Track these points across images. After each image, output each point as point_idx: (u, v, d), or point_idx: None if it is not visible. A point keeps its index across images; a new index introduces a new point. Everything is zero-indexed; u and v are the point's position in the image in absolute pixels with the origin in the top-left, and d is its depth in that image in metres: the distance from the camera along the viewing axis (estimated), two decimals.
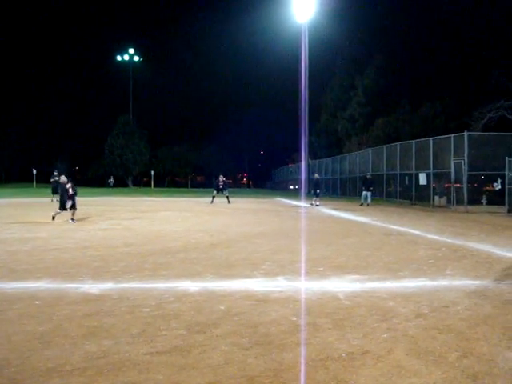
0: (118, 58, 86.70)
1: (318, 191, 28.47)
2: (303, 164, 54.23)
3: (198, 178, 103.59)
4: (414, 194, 30.97)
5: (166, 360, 4.22)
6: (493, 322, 5.47)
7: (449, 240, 12.59)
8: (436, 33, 55.86)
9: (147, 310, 5.74)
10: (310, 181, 28.70)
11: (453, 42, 52.74)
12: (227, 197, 29.53)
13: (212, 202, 28.77)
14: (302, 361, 4.24)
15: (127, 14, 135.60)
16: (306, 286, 7.09)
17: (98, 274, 7.79)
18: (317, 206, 27.22)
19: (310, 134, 56.02)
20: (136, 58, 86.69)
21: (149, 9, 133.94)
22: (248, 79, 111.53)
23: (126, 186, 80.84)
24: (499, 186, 25.87)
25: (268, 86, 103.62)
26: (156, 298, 6.29)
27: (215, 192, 29.71)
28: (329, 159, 51.76)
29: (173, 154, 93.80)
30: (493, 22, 49.74)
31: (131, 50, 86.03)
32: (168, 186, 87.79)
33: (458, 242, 12.13)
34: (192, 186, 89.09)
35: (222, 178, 30.11)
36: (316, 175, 32.24)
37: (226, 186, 30.57)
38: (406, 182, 32.12)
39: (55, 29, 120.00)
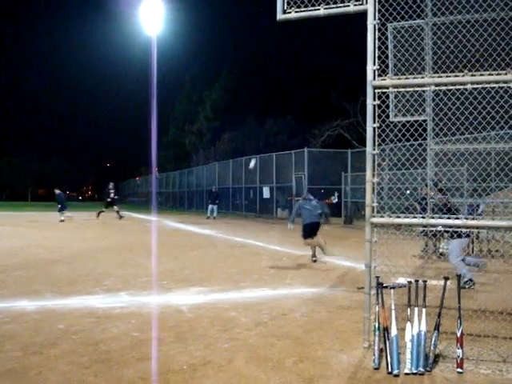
0: None
1: None
2: (153, 177, 53.76)
3: (40, 191, 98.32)
4: (258, 206, 31.98)
5: None
6: (327, 326, 5.84)
7: (289, 250, 13.17)
8: (281, 54, 58.58)
9: None
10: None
11: (296, 63, 55.60)
12: (117, 211, 26.37)
13: (98, 216, 25.75)
14: (143, 376, 4.22)
15: None
16: (149, 301, 7.08)
17: None
18: None
19: (159, 147, 55.84)
20: None
21: None
22: (98, 89, 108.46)
23: None
24: (336, 199, 27.59)
25: (119, 98, 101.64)
26: None
27: (105, 204, 26.64)
28: (176, 172, 51.80)
29: (11, 166, 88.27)
30: (332, 48, 53.11)
31: None
32: (6, 200, 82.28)
33: (298, 252, 12.72)
34: (33, 199, 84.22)
35: (112, 187, 26.71)
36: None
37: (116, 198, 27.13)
38: (251, 196, 33.11)
39: None
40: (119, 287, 7.96)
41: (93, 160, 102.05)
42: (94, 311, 6.39)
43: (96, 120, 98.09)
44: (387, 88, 4.96)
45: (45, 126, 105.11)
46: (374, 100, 4.92)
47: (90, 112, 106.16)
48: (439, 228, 5.73)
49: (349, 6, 4.96)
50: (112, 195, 26.28)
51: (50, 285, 8.09)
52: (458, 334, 4.50)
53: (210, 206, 29.12)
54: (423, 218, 4.89)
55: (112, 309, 6.54)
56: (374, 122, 4.89)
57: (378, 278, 4.94)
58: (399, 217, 4.88)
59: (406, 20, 5.09)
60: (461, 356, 4.40)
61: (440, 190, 7.48)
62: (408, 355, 4.42)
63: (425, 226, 5.39)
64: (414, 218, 4.91)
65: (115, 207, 26.43)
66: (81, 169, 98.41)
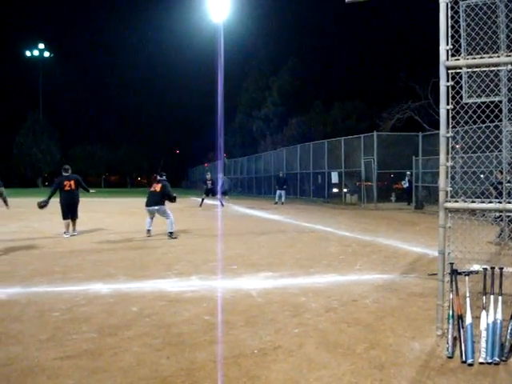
0: (28, 53, 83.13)
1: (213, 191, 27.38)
2: (220, 163, 54.26)
3: (112, 178, 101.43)
4: (326, 192, 31.76)
5: (76, 364, 4.14)
6: (399, 313, 5.73)
7: (359, 236, 13.02)
8: (348, 37, 57.65)
9: (57, 314, 5.60)
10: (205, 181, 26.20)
11: (363, 46, 54.60)
12: (222, 199, 26.36)
13: (201, 205, 26.08)
14: (215, 359, 4.28)
15: (38, 9, 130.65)
16: (219, 285, 7.14)
17: (4, 279, 7.51)
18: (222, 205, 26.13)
19: (226, 133, 56.23)
20: (46, 54, 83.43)
21: (60, 5, 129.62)
22: (164, 79, 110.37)
23: (35, 186, 77.65)
24: (407, 184, 27.02)
25: (185, 85, 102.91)
26: (66, 301, 6.15)
27: (204, 195, 26.78)
28: (244, 158, 52.08)
29: (85, 154, 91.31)
30: (402, 28, 51.80)
31: (41, 46, 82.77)
32: None
33: (368, 238, 12.57)
34: (105, 186, 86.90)
35: (209, 177, 26.96)
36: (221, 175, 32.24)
37: (216, 186, 27.39)
38: (319, 181, 32.90)
39: None
40: (190, 271, 8.09)
41: (162, 147, 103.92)
42: (165, 295, 6.53)
43: (164, 108, 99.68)
44: (461, 68, 4.77)
45: (116, 116, 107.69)
46: (448, 81, 4.75)
47: (158, 101, 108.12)
48: None
49: None
50: (210, 184, 26.49)
51: (123, 268, 8.33)
52: None
53: (277, 192, 29.14)
54: (499, 202, 4.70)
55: (183, 292, 6.66)
56: (448, 104, 4.73)
57: (452, 264, 4.80)
58: (474, 202, 4.71)
59: None
60: None
61: None
62: (483, 344, 4.28)
63: (501, 212, 5.19)
64: (490, 202, 4.72)
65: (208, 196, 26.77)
66: (150, 156, 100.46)
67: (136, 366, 4.13)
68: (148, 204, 12.57)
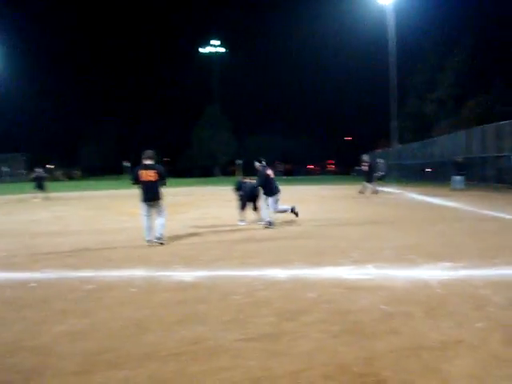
0: (203, 49, 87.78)
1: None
2: (392, 149, 53.01)
3: (286, 166, 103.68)
4: (510, 177, 29.56)
5: (257, 346, 4.30)
6: None
7: None
8: None
9: (238, 297, 5.85)
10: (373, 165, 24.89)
11: None
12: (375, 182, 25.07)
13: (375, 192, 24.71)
14: (393, 349, 4.19)
15: (212, 5, 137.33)
16: (395, 274, 6.98)
17: (190, 263, 8.03)
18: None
19: (397, 118, 54.62)
20: (221, 49, 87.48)
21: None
22: (334, 66, 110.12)
23: (212, 175, 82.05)
24: None
25: (355, 72, 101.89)
26: (246, 285, 6.40)
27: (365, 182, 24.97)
28: (417, 143, 50.27)
29: (259, 143, 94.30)
30: None
31: (216, 41, 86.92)
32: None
33: None
34: (278, 175, 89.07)
35: (366, 158, 25.38)
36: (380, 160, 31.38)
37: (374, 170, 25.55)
38: (502, 165, 30.70)
39: (140, 22, 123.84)
40: (366, 259, 8.01)
41: (333, 134, 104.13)
42: (342, 282, 6.53)
43: (335, 95, 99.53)
44: None
45: (288, 106, 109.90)
46: None
47: (328, 88, 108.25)
48: None
49: None
50: (367, 168, 25.15)
51: (299, 254, 8.48)
52: None
53: (454, 177, 27.79)
54: None
55: (359, 280, 6.62)
56: None
57: None
58: None
59: None
60: None
61: None
62: None
63: None
64: None
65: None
66: (322, 144, 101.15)
67: (315, 351, 4.18)
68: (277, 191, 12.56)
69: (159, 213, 9.87)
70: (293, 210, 12.95)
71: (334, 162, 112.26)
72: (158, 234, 9.77)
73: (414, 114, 59.29)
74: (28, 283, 6.81)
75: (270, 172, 12.45)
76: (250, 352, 4.18)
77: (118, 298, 5.99)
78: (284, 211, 12.86)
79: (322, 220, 13.79)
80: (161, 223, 9.84)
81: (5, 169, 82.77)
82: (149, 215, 9.81)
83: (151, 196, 9.77)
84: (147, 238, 9.80)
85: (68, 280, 6.99)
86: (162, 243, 9.70)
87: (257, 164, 12.56)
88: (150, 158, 9.91)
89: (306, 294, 5.95)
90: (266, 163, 12.63)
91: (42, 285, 6.72)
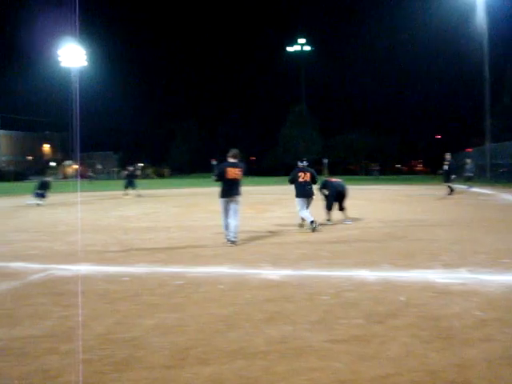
0: (291, 48, 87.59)
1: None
2: (486, 148, 50.80)
3: (372, 165, 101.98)
4: None
5: (345, 348, 4.23)
6: None
7: None
8: None
9: (326, 297, 5.80)
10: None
11: None
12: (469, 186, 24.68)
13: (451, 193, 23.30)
14: (488, 358, 4.01)
15: (299, 4, 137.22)
16: (489, 279, 6.67)
17: (276, 261, 8.04)
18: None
19: (492, 116, 52.28)
20: (307, 48, 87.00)
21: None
22: (423, 62, 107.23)
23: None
24: None
25: (443, 68, 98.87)
26: (334, 286, 6.33)
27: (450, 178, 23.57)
28: None
29: (345, 142, 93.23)
30: None
31: (302, 40, 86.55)
32: (343, 174, 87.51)
33: None
34: (366, 174, 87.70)
35: (449, 157, 23.44)
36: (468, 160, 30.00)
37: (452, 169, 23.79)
38: None
39: (227, 22, 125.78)
40: (457, 263, 7.72)
41: (422, 133, 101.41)
42: (432, 286, 6.33)
43: (424, 93, 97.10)
44: None
45: (375, 104, 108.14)
46: None
47: (416, 85, 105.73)
48: None
49: None
50: (447, 166, 23.75)
51: (388, 256, 8.30)
52: None
53: None
54: None
55: (451, 284, 6.38)
56: None
57: None
58: None
59: None
60: None
61: None
62: None
63: None
64: None
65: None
66: (410, 143, 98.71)
67: (404, 356, 4.07)
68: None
69: (235, 211, 9.90)
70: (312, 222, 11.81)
71: (422, 161, 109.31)
72: (232, 237, 9.82)
73: (508, 112, 56.61)
74: (121, 277, 7.06)
75: (301, 174, 11.90)
76: (338, 354, 4.12)
77: (207, 294, 6.09)
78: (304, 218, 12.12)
79: (410, 221, 13.45)
80: (235, 224, 9.87)
81: (98, 166, 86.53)
82: (227, 212, 9.87)
83: (234, 192, 9.84)
84: (227, 237, 9.88)
85: (158, 275, 7.18)
86: (235, 244, 9.72)
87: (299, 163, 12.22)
88: (235, 156, 10.01)
89: (394, 296, 5.82)
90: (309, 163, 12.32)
91: (134, 279, 6.95)
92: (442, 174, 24.35)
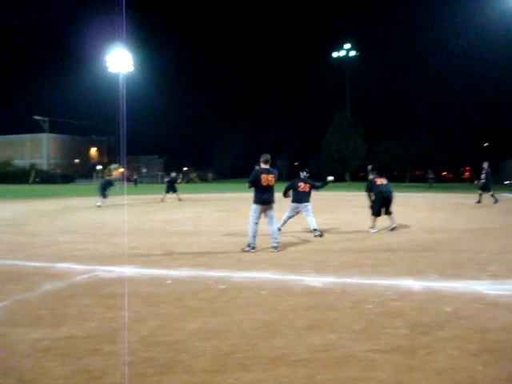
0: (337, 53, 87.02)
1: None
2: None
3: (417, 172, 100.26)
4: None
5: (389, 359, 4.15)
6: None
7: None
8: None
9: (370, 306, 5.71)
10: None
11: None
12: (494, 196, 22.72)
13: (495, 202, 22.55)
14: None
15: (345, 9, 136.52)
16: None
17: (319, 268, 7.98)
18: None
19: None
20: (352, 53, 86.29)
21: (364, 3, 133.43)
22: (471, 67, 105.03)
23: (343, 181, 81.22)
24: None
25: (493, 74, 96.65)
26: (378, 294, 6.24)
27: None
28: None
29: (391, 148, 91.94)
30: None
31: (347, 45, 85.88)
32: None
33: None
34: (411, 181, 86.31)
35: (486, 166, 22.72)
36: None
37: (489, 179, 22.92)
38: None
39: (272, 30, 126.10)
40: (505, 274, 7.50)
41: (470, 140, 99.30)
42: (480, 297, 6.16)
43: (470, 100, 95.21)
44: None
45: (421, 111, 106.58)
46: None
47: (464, 91, 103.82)
48: None
49: None
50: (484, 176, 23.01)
51: (434, 266, 8.12)
52: None
53: None
54: None
55: (499, 296, 6.20)
56: None
57: None
58: None
59: None
60: None
61: None
62: None
63: None
64: None
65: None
66: (456, 150, 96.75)
67: (450, 369, 3.97)
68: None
69: (271, 217, 9.86)
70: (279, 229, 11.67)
71: (469, 168, 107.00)
72: (274, 243, 9.78)
73: None
74: (164, 280, 7.11)
75: (300, 183, 12.18)
76: (382, 364, 4.04)
77: (249, 299, 6.08)
78: (283, 224, 12.23)
79: (457, 230, 13.16)
80: (274, 229, 9.83)
81: (143, 170, 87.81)
82: (259, 219, 9.81)
83: (269, 198, 9.79)
84: (250, 240, 9.75)
85: (201, 279, 7.21)
86: (277, 250, 9.69)
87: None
88: (266, 161, 10.01)
89: (441, 307, 5.68)
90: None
91: (177, 282, 6.99)
92: (477, 183, 23.89)
